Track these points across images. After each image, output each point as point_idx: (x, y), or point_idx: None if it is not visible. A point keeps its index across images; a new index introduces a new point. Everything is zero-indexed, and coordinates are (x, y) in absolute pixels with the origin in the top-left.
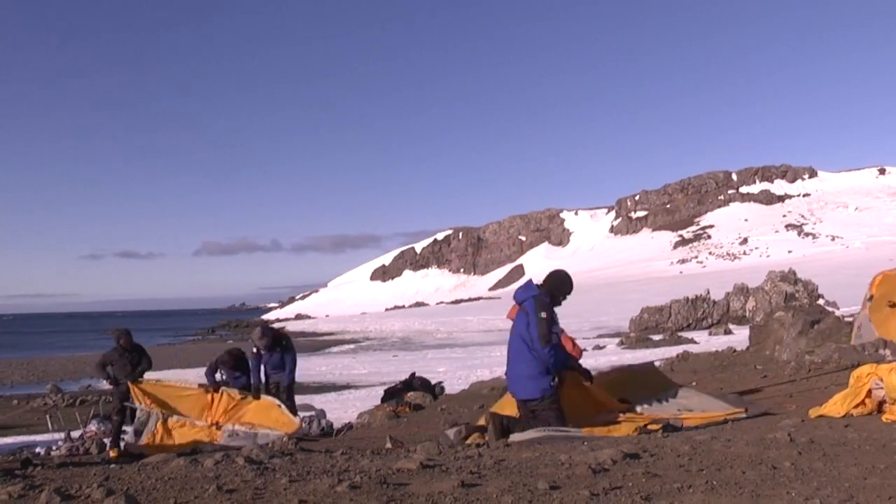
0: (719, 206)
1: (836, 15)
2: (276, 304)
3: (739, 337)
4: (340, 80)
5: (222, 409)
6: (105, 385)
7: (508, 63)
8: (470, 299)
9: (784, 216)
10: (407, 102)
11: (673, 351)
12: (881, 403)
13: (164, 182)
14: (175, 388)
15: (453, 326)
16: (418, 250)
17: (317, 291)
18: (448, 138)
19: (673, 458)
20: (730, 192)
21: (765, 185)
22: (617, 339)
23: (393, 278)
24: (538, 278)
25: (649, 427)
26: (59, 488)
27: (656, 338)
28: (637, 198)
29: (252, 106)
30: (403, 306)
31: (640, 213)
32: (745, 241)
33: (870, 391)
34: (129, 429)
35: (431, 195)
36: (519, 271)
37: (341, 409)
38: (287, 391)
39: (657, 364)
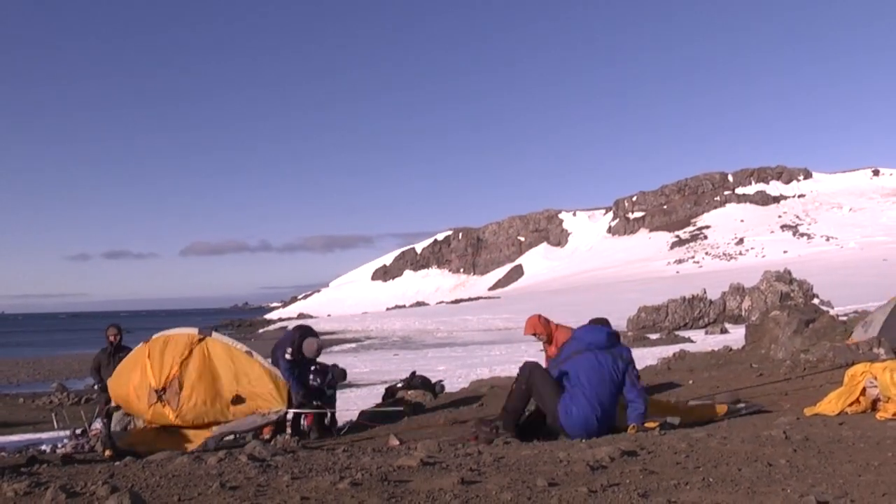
0: (715, 207)
1: (832, 17)
2: (279, 304)
3: (735, 336)
4: (342, 82)
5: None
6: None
7: (507, 67)
8: (470, 299)
9: (779, 217)
10: (407, 103)
11: (670, 350)
12: (875, 401)
13: (164, 182)
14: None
15: (453, 326)
16: (419, 251)
17: (318, 291)
18: (448, 140)
19: (670, 455)
20: (726, 193)
21: (760, 186)
22: None
23: (394, 278)
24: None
25: (646, 425)
26: (64, 485)
27: (654, 337)
28: (634, 199)
29: (255, 107)
30: (404, 306)
31: (638, 214)
32: (741, 241)
33: (864, 389)
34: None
35: (432, 196)
36: (518, 271)
37: (342, 407)
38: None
39: (654, 363)
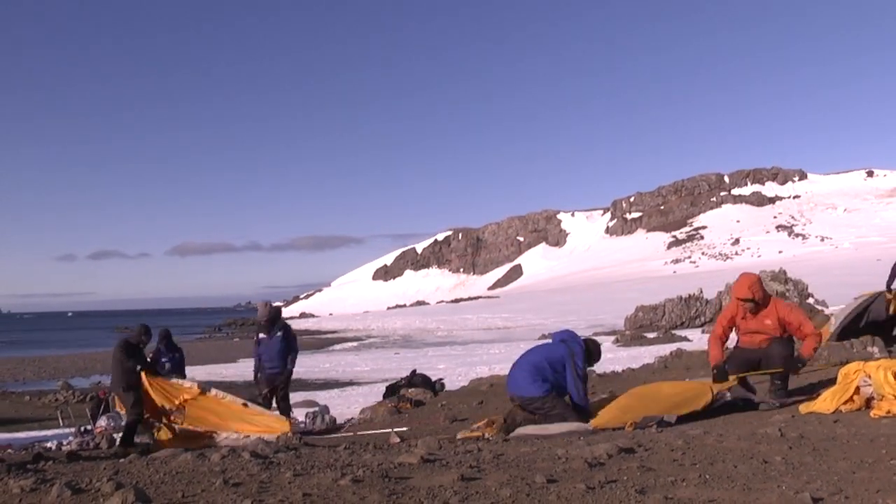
0: (712, 208)
1: (827, 19)
2: (282, 303)
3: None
4: (345, 84)
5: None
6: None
7: (505, 69)
8: (469, 298)
9: (775, 217)
10: (407, 105)
11: (667, 348)
12: (869, 400)
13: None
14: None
15: (453, 325)
16: (419, 251)
17: (320, 291)
18: (447, 141)
19: (667, 452)
20: (722, 193)
21: (756, 188)
22: (612, 337)
23: (394, 278)
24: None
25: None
26: (69, 482)
27: (651, 336)
28: (632, 199)
29: (257, 108)
30: (405, 305)
31: (635, 215)
32: (736, 241)
33: (858, 388)
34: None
35: (432, 196)
36: (517, 271)
37: (344, 405)
38: (284, 386)
39: (652, 361)
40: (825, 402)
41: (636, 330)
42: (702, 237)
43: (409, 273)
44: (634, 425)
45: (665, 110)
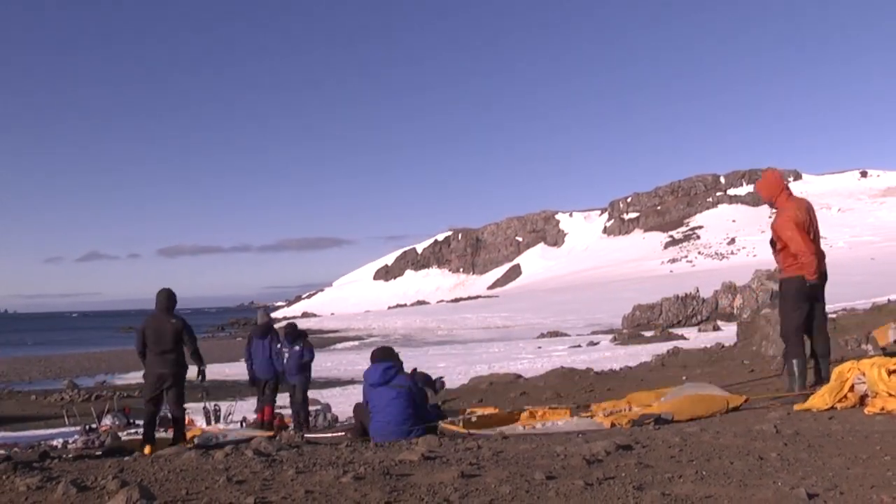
0: (708, 208)
1: (822, 21)
2: (284, 303)
3: (727, 333)
4: (348, 86)
5: None
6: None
7: (504, 71)
8: (469, 298)
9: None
10: (407, 107)
11: (664, 347)
12: (863, 397)
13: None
14: None
15: (453, 324)
16: (419, 251)
17: (322, 290)
18: (447, 143)
19: (664, 449)
20: (718, 194)
21: (752, 188)
22: (610, 336)
23: (395, 278)
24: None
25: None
26: (75, 480)
27: (648, 334)
28: (629, 200)
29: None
30: (405, 305)
31: (632, 215)
32: (732, 241)
33: (852, 385)
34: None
35: (433, 197)
36: (516, 271)
37: (346, 404)
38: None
39: (649, 360)
40: (820, 400)
41: (634, 328)
42: (698, 237)
43: (409, 273)
44: (632, 423)
45: (662, 112)
